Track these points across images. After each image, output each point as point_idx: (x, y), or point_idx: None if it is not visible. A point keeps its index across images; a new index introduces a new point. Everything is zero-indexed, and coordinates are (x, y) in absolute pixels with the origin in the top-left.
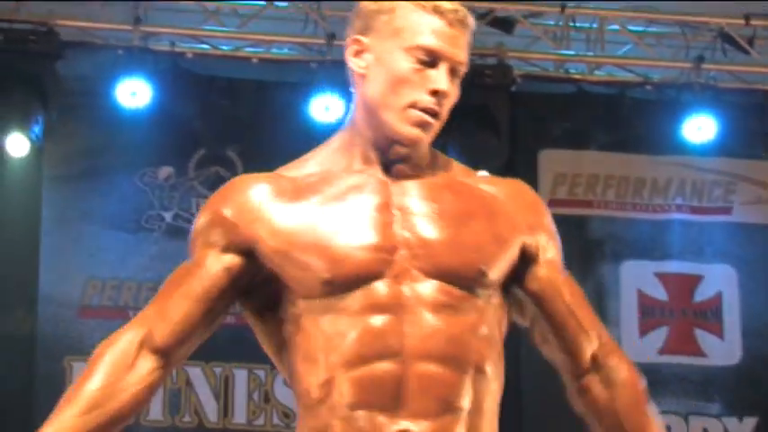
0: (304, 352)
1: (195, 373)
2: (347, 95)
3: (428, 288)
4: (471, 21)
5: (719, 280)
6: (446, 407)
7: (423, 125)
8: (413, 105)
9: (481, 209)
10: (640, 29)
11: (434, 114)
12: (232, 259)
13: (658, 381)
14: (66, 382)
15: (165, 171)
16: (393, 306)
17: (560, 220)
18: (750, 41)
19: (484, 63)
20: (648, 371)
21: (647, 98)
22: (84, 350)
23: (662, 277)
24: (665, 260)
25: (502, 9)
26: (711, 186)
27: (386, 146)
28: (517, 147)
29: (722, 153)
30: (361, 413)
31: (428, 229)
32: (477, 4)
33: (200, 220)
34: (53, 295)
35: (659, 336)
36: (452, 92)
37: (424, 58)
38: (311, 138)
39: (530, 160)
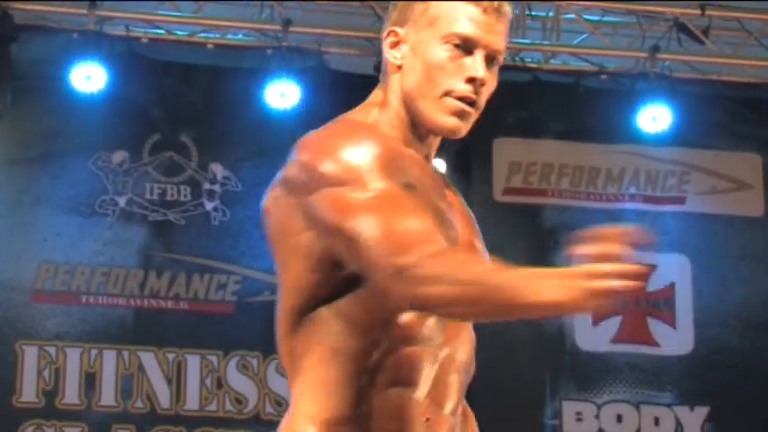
0: None
1: (148, 358)
2: (301, 81)
3: None
4: (508, 9)
5: (673, 270)
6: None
7: (460, 114)
8: (448, 93)
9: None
10: (596, 18)
11: (471, 103)
12: None
13: (610, 370)
14: (18, 367)
15: (119, 156)
16: None
17: (515, 209)
18: (705, 31)
19: None
20: (601, 360)
21: (602, 87)
22: (36, 334)
23: None
24: None
25: None
26: (665, 176)
27: (424, 135)
28: (472, 135)
29: (676, 143)
30: None
31: (465, 233)
32: None
33: (371, 150)
34: (5, 279)
35: (612, 325)
36: (489, 79)
37: (460, 45)
38: (266, 123)
39: (485, 149)
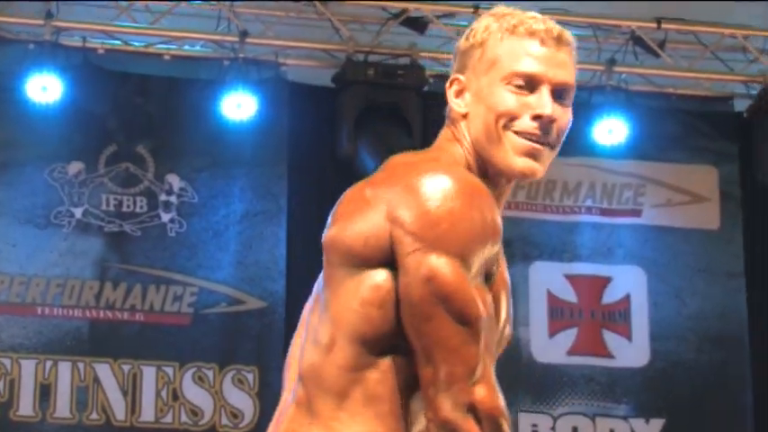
0: None
1: (103, 369)
2: (258, 93)
3: None
4: (568, 36)
5: (628, 282)
6: None
7: (530, 153)
8: (517, 134)
9: None
10: None
11: (542, 142)
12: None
13: (566, 382)
14: None
15: (75, 167)
16: None
17: None
18: (661, 45)
19: (396, 63)
20: (557, 372)
21: None
22: None
23: (571, 279)
24: (575, 262)
25: (415, 9)
26: (621, 189)
27: (496, 181)
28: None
29: (632, 156)
30: None
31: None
32: (389, 4)
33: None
34: None
35: (568, 337)
36: (561, 114)
37: (522, 84)
38: (223, 135)
39: None
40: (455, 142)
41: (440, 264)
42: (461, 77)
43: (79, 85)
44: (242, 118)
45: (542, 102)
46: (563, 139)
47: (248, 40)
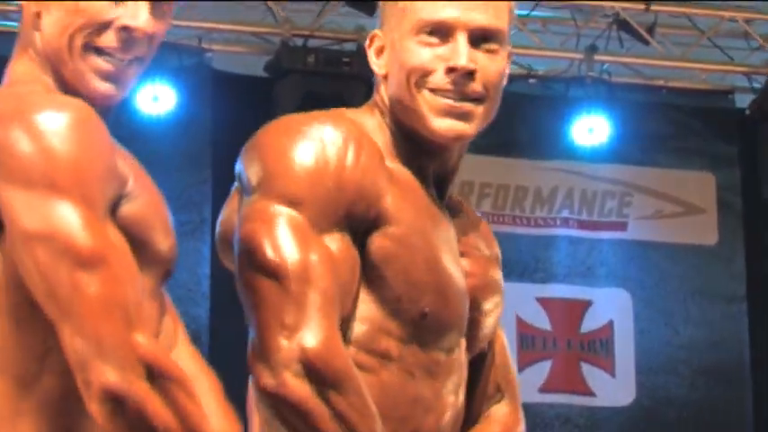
0: None
1: None
2: (178, 83)
3: None
4: None
5: (611, 307)
6: None
7: (452, 113)
8: (433, 91)
9: None
10: (524, 12)
11: (463, 98)
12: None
13: (538, 424)
14: None
15: None
16: None
17: None
18: (650, 30)
19: (341, 49)
20: (527, 412)
21: (530, 93)
22: None
23: (544, 302)
24: (549, 283)
25: None
26: (604, 197)
27: (425, 149)
28: None
29: (617, 159)
30: None
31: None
32: None
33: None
34: None
35: (540, 371)
36: (486, 64)
37: (434, 32)
38: (136, 132)
39: None
40: (372, 110)
41: None
42: (380, 33)
43: None
44: (159, 112)
45: (457, 52)
46: (496, 90)
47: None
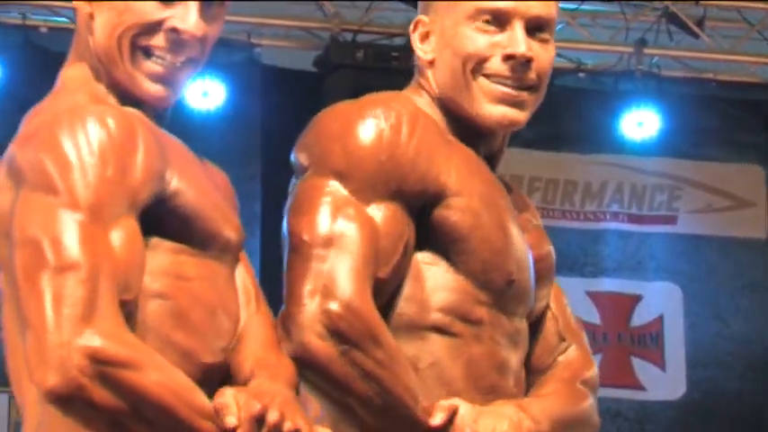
0: None
1: None
2: (228, 78)
3: None
4: None
5: (661, 300)
6: None
7: (507, 101)
8: (488, 77)
9: None
10: (573, 6)
11: (519, 86)
12: None
13: None
14: None
15: None
16: None
17: None
18: (699, 23)
19: (390, 44)
20: None
21: (579, 87)
22: None
23: (594, 297)
24: (599, 277)
25: None
26: (653, 191)
27: (475, 133)
28: None
29: (666, 153)
30: None
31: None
32: None
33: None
34: None
35: None
36: (540, 52)
37: (490, 20)
38: (185, 128)
39: None
40: (419, 91)
41: None
42: (425, 19)
43: (20, 68)
44: (209, 108)
45: (515, 39)
46: (546, 80)
47: None
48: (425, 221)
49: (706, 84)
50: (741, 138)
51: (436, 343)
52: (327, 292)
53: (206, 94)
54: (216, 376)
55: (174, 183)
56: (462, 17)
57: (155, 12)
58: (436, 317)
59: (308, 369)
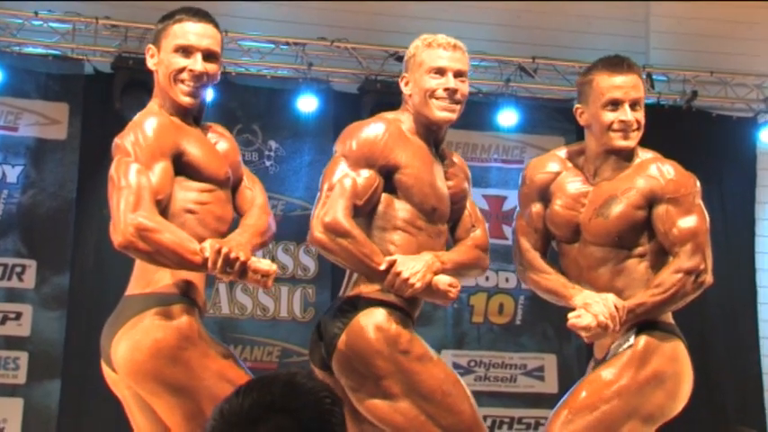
0: None
1: None
2: (318, 97)
3: None
4: (461, 44)
5: None
6: None
7: (445, 109)
8: (437, 99)
9: None
10: (475, 63)
11: (452, 101)
12: None
13: None
14: None
15: None
16: None
17: None
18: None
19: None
20: None
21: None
22: None
23: (485, 198)
24: (488, 188)
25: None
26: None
27: (430, 129)
28: None
29: None
30: None
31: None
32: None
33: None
34: None
35: None
36: (461, 87)
37: (437, 72)
38: (298, 120)
39: None
40: (404, 110)
41: None
42: (406, 74)
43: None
44: (309, 110)
45: (449, 81)
46: (465, 100)
47: (312, 68)
48: (391, 180)
49: None
50: None
51: (399, 236)
52: (327, 212)
53: (307, 104)
54: None
55: (188, 147)
56: (424, 71)
57: (181, 62)
58: (398, 223)
59: (320, 249)
